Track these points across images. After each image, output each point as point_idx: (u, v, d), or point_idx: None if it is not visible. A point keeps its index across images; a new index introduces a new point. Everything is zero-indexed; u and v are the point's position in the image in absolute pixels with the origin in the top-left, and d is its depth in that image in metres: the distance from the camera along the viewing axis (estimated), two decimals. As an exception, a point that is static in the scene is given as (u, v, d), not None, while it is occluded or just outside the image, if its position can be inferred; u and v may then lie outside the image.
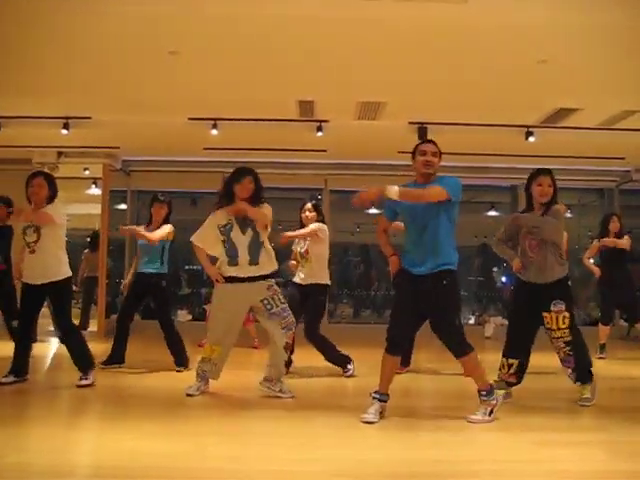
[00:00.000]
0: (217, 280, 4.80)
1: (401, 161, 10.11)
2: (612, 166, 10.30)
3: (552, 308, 4.50)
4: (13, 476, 2.89)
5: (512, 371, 4.64)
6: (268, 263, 4.84)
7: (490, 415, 4.06)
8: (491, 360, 5.05)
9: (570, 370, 4.58)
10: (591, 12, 4.78)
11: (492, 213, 12.22)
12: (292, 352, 5.53)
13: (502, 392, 4.50)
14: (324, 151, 9.46)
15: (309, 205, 5.88)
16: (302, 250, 5.85)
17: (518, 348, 4.66)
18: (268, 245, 4.86)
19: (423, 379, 6.05)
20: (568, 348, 4.52)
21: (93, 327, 9.56)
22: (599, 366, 6.66)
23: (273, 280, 4.87)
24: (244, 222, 4.78)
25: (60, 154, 9.83)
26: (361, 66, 6.04)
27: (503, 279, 12.55)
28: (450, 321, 4.09)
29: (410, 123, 8.17)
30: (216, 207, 4.87)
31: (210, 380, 4.86)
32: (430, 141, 4.28)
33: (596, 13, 4.79)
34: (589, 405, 4.50)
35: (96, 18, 5.03)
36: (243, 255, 4.75)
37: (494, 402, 4.11)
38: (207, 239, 4.85)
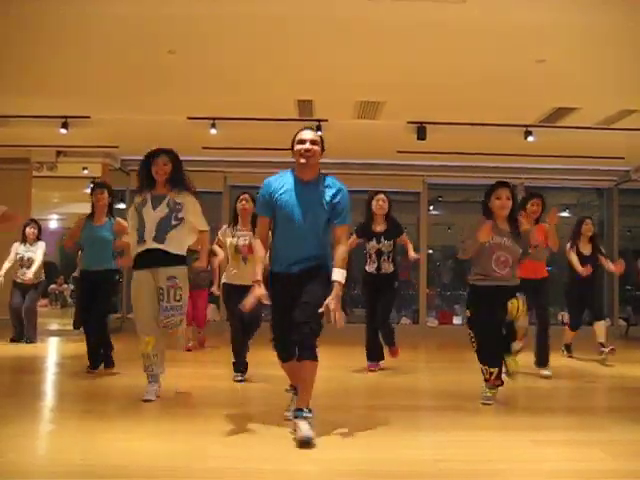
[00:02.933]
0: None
1: (400, 161, 10.20)
2: (611, 165, 10.30)
3: (517, 295, 4.53)
4: (11, 476, 2.88)
5: (494, 376, 4.50)
6: (176, 245, 4.49)
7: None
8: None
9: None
10: (590, 12, 4.79)
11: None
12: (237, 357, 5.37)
13: (494, 391, 4.55)
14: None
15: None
16: (242, 244, 5.36)
17: (494, 354, 4.55)
18: (187, 232, 4.56)
19: (422, 379, 6.06)
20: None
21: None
22: (598, 366, 6.68)
23: (179, 271, 4.50)
24: (158, 198, 4.50)
25: (59, 153, 9.84)
26: (360, 66, 6.04)
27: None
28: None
29: (409, 123, 8.18)
30: (136, 193, 4.65)
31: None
32: (311, 129, 3.88)
33: (595, 13, 4.80)
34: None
35: (95, 18, 5.04)
36: (150, 230, 4.44)
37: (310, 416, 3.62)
38: (131, 221, 4.63)
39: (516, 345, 4.65)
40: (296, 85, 6.73)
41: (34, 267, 7.98)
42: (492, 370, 4.48)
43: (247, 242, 5.26)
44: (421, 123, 8.13)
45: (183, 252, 4.58)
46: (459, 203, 12.49)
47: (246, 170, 10.21)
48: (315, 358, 3.61)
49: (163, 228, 4.45)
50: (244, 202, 5.46)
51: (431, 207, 11.65)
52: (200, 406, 4.58)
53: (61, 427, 3.88)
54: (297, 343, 3.63)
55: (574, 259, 6.88)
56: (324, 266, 3.73)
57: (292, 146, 3.76)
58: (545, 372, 5.70)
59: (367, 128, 8.23)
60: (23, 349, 7.59)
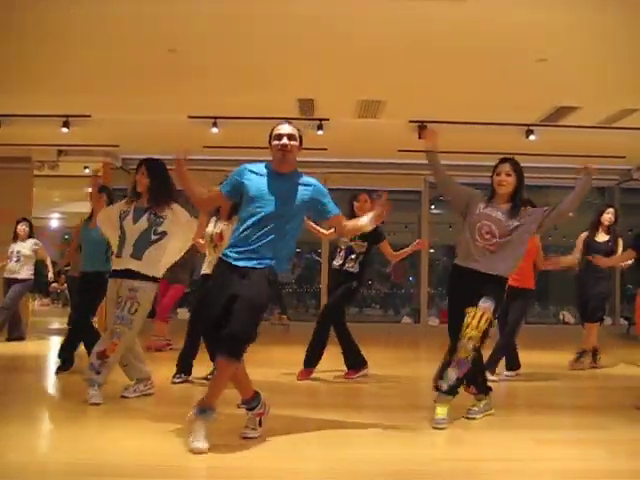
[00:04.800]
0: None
1: (401, 159, 10.19)
2: (613, 165, 10.28)
3: (480, 304, 3.91)
4: (11, 475, 2.88)
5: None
6: (150, 266, 4.42)
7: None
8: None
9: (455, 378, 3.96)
10: (591, 11, 4.78)
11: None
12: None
13: (485, 401, 4.18)
14: (324, 149, 9.46)
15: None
16: (215, 232, 5.21)
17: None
18: (166, 251, 4.49)
19: (421, 379, 6.05)
20: (473, 354, 3.92)
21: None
22: (601, 365, 6.65)
23: (143, 286, 4.39)
24: (141, 210, 4.46)
25: (60, 152, 9.85)
26: (361, 64, 6.04)
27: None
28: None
29: (410, 121, 8.17)
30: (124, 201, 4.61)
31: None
32: (289, 122, 3.71)
33: (596, 12, 4.79)
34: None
35: (96, 17, 5.03)
36: (128, 246, 4.41)
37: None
38: (108, 219, 4.62)
39: (450, 372, 3.95)
40: (297, 84, 6.73)
41: (24, 263, 7.86)
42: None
43: (219, 230, 5.17)
44: (422, 122, 8.12)
45: (157, 274, 4.51)
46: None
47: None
48: (235, 359, 3.34)
49: (142, 243, 4.42)
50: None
51: (432, 206, 11.64)
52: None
53: (59, 426, 3.87)
54: (227, 337, 3.29)
55: (577, 247, 6.60)
56: (267, 269, 3.46)
57: (269, 140, 3.62)
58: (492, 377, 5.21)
59: (368, 127, 8.23)
60: (22, 347, 7.59)
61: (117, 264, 4.50)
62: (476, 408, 4.14)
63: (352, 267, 5.55)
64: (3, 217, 8.92)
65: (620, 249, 6.47)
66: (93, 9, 4.90)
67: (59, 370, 5.61)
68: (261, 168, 3.64)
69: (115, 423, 3.84)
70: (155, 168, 4.56)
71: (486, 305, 3.91)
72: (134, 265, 4.41)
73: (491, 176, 4.19)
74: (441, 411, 3.90)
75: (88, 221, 5.88)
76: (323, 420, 3.82)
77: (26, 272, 7.91)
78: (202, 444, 3.20)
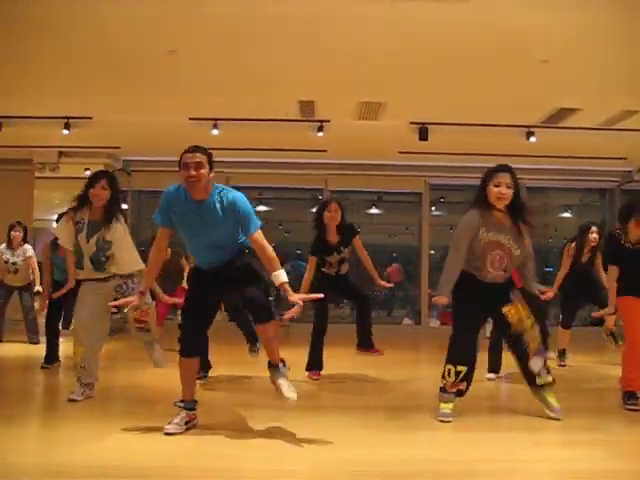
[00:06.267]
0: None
1: (402, 161, 10.20)
2: (614, 166, 10.29)
3: (512, 297, 4.01)
4: (12, 476, 2.89)
5: (459, 378, 4.05)
6: (120, 266, 4.46)
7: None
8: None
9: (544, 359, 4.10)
10: (592, 12, 4.79)
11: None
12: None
13: (450, 405, 4.07)
14: (325, 151, 9.47)
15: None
16: None
17: (468, 351, 4.10)
18: (123, 253, 4.48)
19: (422, 380, 6.04)
20: (541, 337, 4.10)
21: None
22: (597, 367, 6.66)
23: (128, 278, 4.48)
24: (94, 226, 4.43)
25: (61, 154, 9.87)
26: (362, 66, 6.04)
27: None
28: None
29: (411, 123, 8.18)
30: (70, 212, 4.54)
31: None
32: (197, 148, 3.55)
33: (597, 13, 4.79)
34: None
35: (96, 18, 5.04)
36: (87, 261, 4.44)
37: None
38: (64, 233, 4.59)
39: (534, 364, 4.04)
40: (298, 86, 6.74)
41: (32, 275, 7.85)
42: (460, 369, 4.00)
43: None
44: (423, 124, 8.13)
45: (132, 269, 4.50)
46: (461, 204, 12.46)
47: (248, 171, 10.22)
48: (272, 318, 3.67)
49: (98, 260, 4.44)
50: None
51: (433, 208, 11.64)
52: (199, 407, 4.56)
53: (59, 428, 3.87)
54: (250, 309, 3.71)
55: (565, 257, 6.53)
56: (239, 258, 3.70)
57: (179, 166, 3.55)
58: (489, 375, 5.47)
59: (369, 129, 8.23)
60: (22, 349, 7.58)
61: (85, 275, 4.51)
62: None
63: (345, 268, 5.70)
64: (4, 219, 8.92)
65: (599, 264, 6.25)
66: (94, 11, 4.90)
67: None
68: (180, 193, 3.61)
69: (114, 424, 3.83)
70: (116, 182, 4.57)
71: (517, 296, 4.06)
72: (100, 275, 4.46)
73: (484, 184, 3.97)
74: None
75: (55, 247, 6.10)
76: (321, 421, 3.82)
77: (27, 278, 7.80)
78: (294, 394, 3.58)
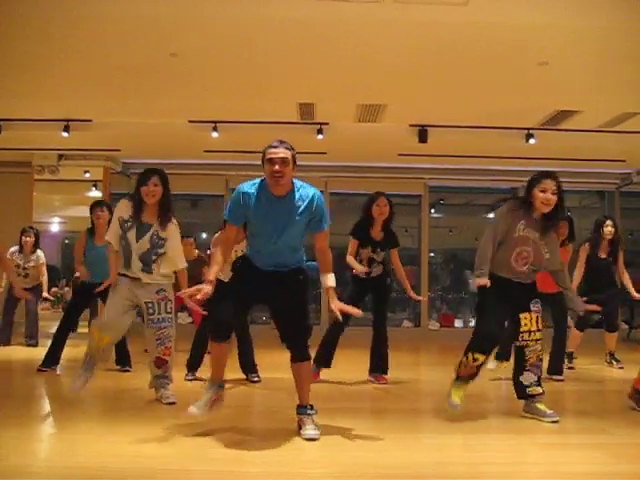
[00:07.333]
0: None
1: (402, 163, 10.20)
2: (613, 168, 10.30)
3: (532, 308, 4.19)
4: (13, 478, 2.88)
5: (477, 363, 4.18)
6: (164, 269, 4.51)
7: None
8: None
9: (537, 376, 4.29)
10: (592, 14, 4.79)
11: (492, 215, 12.22)
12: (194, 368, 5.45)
13: (461, 393, 4.21)
14: (324, 153, 9.47)
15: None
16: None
17: (491, 340, 4.26)
18: (173, 251, 4.52)
19: (424, 382, 6.05)
20: (541, 353, 4.28)
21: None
22: (600, 369, 6.67)
23: (168, 282, 4.58)
24: (142, 227, 4.42)
25: (61, 157, 9.86)
26: (361, 68, 6.04)
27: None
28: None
29: (411, 125, 8.19)
30: (127, 199, 4.54)
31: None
32: (282, 143, 3.58)
33: (597, 15, 4.80)
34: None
35: (97, 20, 5.04)
36: (135, 261, 4.43)
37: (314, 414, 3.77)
38: (114, 235, 4.52)
39: (525, 378, 4.26)
40: (298, 88, 6.74)
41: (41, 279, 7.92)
42: (477, 356, 4.11)
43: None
44: (422, 126, 8.14)
45: (176, 267, 4.60)
46: (460, 206, 12.50)
47: (248, 173, 10.05)
48: (309, 358, 3.81)
49: (147, 260, 4.44)
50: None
51: (432, 210, 11.65)
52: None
53: (60, 430, 3.87)
54: (289, 344, 3.74)
55: (580, 260, 6.49)
56: (298, 269, 3.73)
57: (262, 161, 3.57)
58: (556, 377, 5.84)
59: (368, 131, 8.24)
60: (24, 351, 7.57)
61: (129, 272, 4.48)
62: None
63: (378, 271, 5.61)
64: (3, 221, 8.94)
65: (621, 261, 6.60)
66: (94, 13, 4.90)
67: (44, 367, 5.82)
68: (257, 189, 3.61)
69: (115, 427, 3.83)
70: (166, 180, 4.52)
71: (537, 308, 4.20)
72: (149, 279, 4.46)
73: (530, 188, 4.10)
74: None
75: (91, 237, 5.94)
76: (324, 424, 3.81)
77: (35, 280, 7.90)
78: (316, 434, 3.60)
